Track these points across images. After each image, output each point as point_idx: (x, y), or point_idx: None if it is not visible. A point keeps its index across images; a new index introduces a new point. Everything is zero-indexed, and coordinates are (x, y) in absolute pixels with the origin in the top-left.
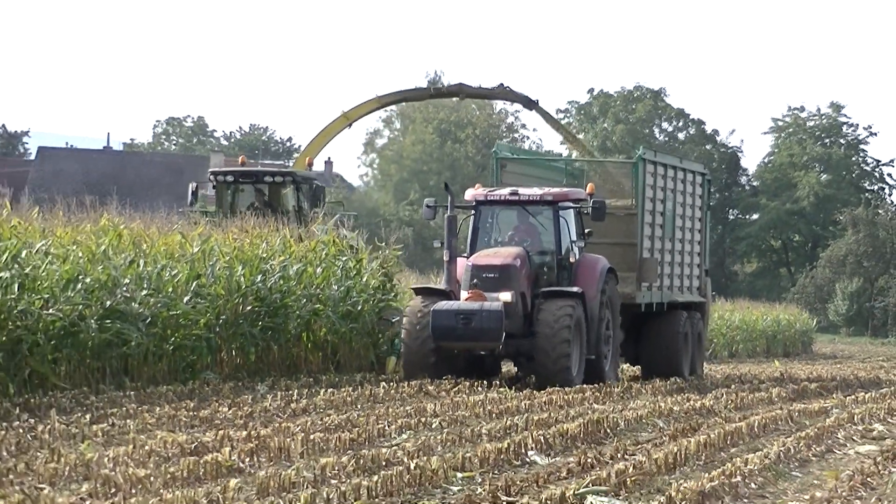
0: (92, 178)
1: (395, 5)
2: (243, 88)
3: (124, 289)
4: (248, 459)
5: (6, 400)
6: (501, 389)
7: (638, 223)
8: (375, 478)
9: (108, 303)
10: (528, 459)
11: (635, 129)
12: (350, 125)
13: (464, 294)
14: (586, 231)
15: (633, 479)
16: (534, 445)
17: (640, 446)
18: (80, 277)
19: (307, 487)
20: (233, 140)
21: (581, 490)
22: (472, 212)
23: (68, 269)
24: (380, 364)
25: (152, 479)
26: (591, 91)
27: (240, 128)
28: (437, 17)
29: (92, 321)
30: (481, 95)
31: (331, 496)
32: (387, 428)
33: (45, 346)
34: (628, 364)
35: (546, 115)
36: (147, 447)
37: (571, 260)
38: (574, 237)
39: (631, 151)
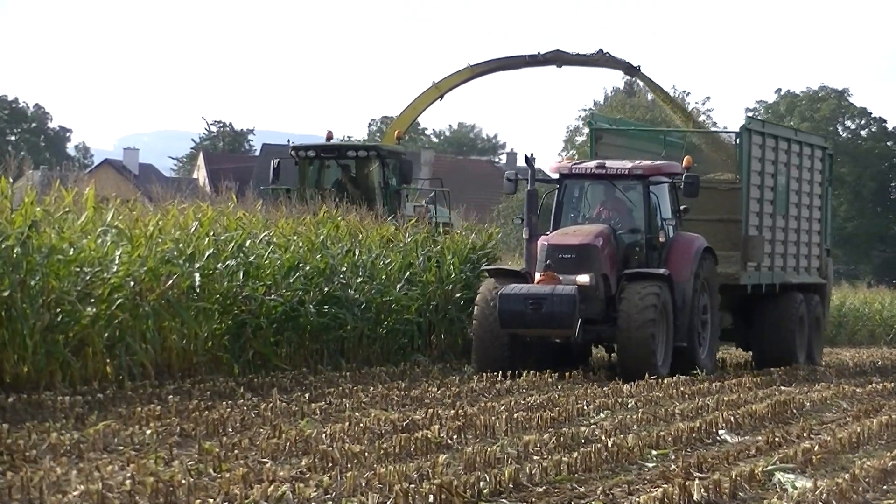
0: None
1: None
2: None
3: (341, 276)
4: (455, 436)
5: (231, 379)
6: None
7: (742, 198)
8: (575, 454)
9: (326, 289)
10: (718, 438)
11: (819, 126)
12: (441, 97)
13: (537, 276)
14: (682, 207)
15: (818, 457)
16: (724, 424)
17: (824, 426)
18: (300, 265)
19: (511, 463)
20: (442, 137)
21: (769, 467)
22: (557, 186)
23: (289, 258)
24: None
25: (367, 454)
26: (778, 91)
27: (449, 125)
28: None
29: (311, 306)
30: (580, 62)
31: (533, 471)
32: (585, 407)
33: (267, 329)
34: (739, 350)
35: (649, 82)
36: (362, 424)
37: (661, 239)
38: (667, 214)
39: None
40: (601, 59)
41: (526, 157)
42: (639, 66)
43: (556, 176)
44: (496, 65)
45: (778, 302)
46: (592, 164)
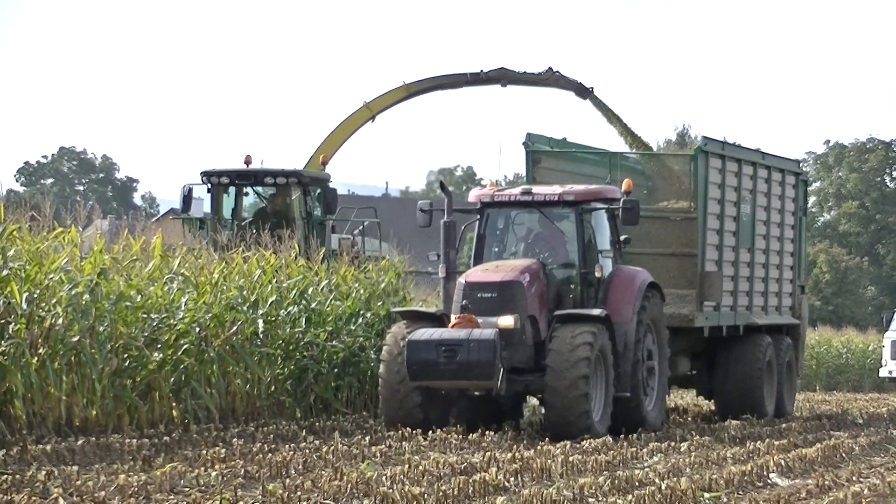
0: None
1: None
2: (509, 141)
3: None
4: (512, 479)
5: (294, 423)
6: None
7: (698, 229)
8: (630, 497)
9: None
10: (769, 481)
11: (868, 177)
12: (373, 118)
13: (453, 318)
14: (622, 238)
15: (868, 500)
16: (775, 468)
17: (874, 469)
18: (361, 312)
19: None
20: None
21: None
22: (478, 216)
23: (350, 305)
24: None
25: (426, 496)
26: (827, 142)
27: (505, 176)
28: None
29: (371, 352)
30: (527, 81)
31: None
32: (639, 451)
33: (328, 374)
34: (702, 398)
35: (601, 105)
36: (421, 467)
37: (598, 274)
38: (605, 245)
39: (864, 198)
40: (550, 79)
41: (441, 183)
42: (592, 88)
43: (478, 205)
44: (434, 83)
45: (742, 345)
46: (517, 190)
